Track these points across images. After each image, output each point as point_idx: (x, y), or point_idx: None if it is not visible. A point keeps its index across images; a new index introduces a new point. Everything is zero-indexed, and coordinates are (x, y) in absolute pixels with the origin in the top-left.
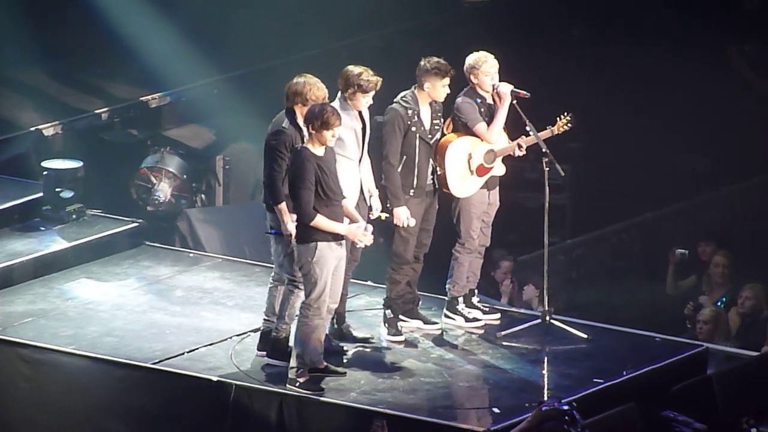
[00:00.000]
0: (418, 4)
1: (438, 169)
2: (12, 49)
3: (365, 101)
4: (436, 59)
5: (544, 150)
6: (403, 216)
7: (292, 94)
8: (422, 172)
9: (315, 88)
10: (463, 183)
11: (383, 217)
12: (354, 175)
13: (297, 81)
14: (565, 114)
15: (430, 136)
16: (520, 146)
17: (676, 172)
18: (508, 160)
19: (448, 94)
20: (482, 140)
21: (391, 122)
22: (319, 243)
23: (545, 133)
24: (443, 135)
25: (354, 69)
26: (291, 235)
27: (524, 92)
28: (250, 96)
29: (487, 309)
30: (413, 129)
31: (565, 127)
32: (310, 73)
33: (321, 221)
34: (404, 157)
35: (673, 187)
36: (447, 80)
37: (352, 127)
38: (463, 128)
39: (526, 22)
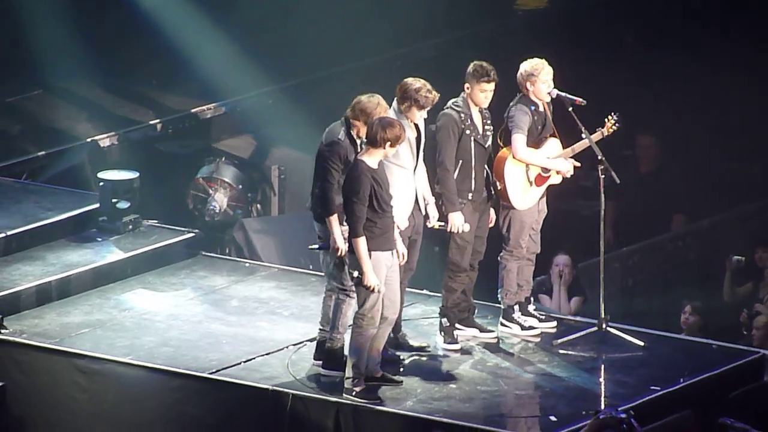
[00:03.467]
0: (472, 14)
1: (498, 183)
2: (67, 61)
3: (420, 115)
4: (480, 63)
5: (599, 157)
6: (458, 222)
7: (359, 111)
8: (479, 175)
9: (384, 113)
10: (523, 195)
11: (437, 227)
12: (409, 184)
13: (370, 100)
14: (612, 114)
15: (483, 140)
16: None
17: (731, 178)
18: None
19: (492, 99)
20: (510, 150)
21: (445, 127)
22: (373, 252)
23: (596, 136)
24: (495, 141)
25: (413, 83)
26: (338, 248)
27: (580, 100)
28: (304, 105)
29: (544, 317)
30: (467, 132)
31: (614, 127)
32: (364, 83)
33: (360, 245)
34: (460, 161)
35: (729, 193)
36: (488, 86)
37: (406, 136)
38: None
39: (579, 30)
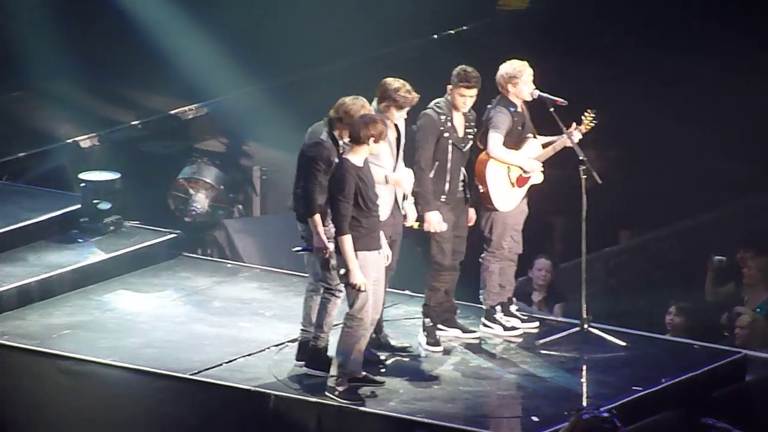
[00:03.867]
0: (455, 14)
1: (480, 186)
2: (49, 61)
3: (399, 115)
4: (466, 68)
5: (581, 158)
6: (434, 220)
7: (343, 112)
8: (454, 178)
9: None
10: (506, 196)
11: (416, 226)
12: (388, 184)
13: (354, 102)
14: (589, 111)
15: (463, 144)
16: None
17: (714, 179)
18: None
19: (477, 101)
20: (486, 149)
21: (424, 128)
22: (359, 252)
23: (574, 135)
24: (474, 144)
25: (392, 83)
26: (324, 248)
27: (561, 100)
28: (287, 106)
29: (526, 317)
30: (446, 135)
31: (591, 124)
32: (346, 83)
33: (346, 243)
34: (436, 163)
35: (712, 194)
36: (467, 92)
37: (388, 133)
38: None
39: (561, 30)
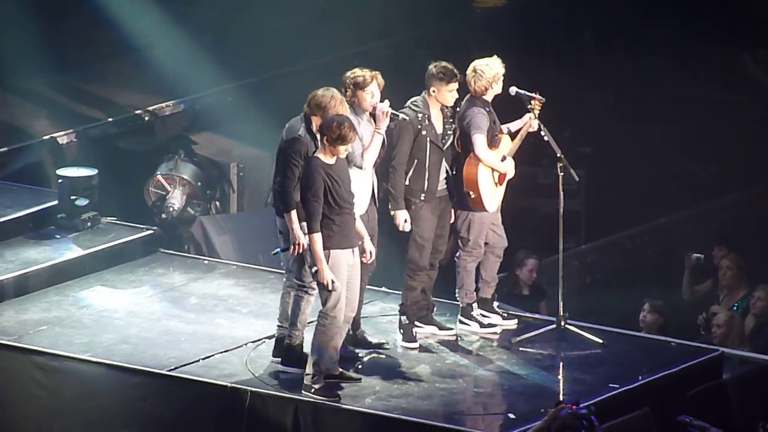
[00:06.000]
0: (429, 12)
1: (471, 192)
2: (26, 58)
3: (368, 97)
4: (443, 64)
5: (558, 155)
6: (401, 218)
7: (315, 106)
8: (433, 176)
9: (340, 105)
10: (493, 197)
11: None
12: (366, 180)
13: (324, 94)
14: (536, 97)
15: (442, 141)
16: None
17: (689, 176)
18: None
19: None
20: (473, 151)
21: (400, 126)
22: (332, 251)
23: (533, 121)
24: (455, 141)
25: (347, 72)
26: (298, 243)
27: (539, 97)
28: (263, 103)
29: (506, 315)
30: (423, 133)
31: (540, 105)
32: (322, 81)
33: (316, 241)
34: (415, 161)
35: (687, 191)
36: (454, 85)
37: (363, 132)
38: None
39: (537, 29)
